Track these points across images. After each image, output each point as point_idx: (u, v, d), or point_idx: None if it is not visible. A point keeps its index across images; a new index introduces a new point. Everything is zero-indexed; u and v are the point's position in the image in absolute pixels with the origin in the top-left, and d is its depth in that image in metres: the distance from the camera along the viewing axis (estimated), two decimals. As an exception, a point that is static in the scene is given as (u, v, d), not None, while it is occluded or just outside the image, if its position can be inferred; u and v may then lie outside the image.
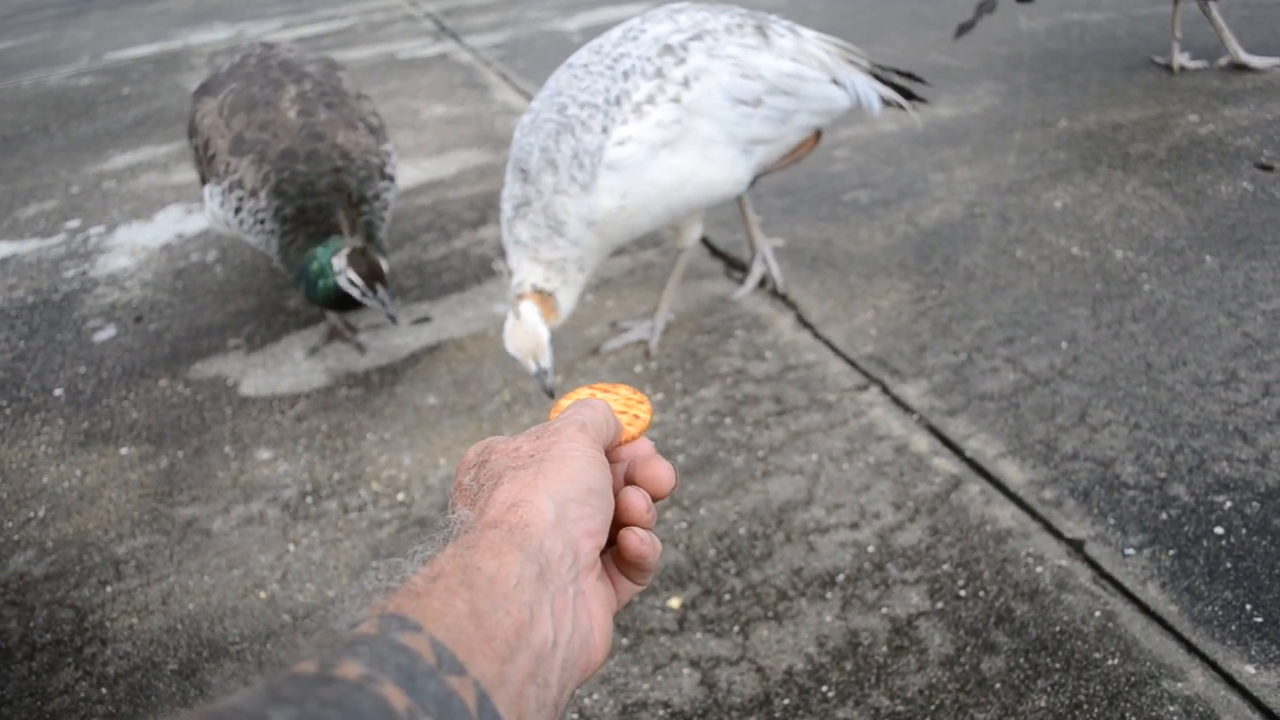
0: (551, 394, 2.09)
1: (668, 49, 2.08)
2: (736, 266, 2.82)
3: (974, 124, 3.64)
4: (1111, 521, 1.79)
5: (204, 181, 2.55)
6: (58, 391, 2.63)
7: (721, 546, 1.83)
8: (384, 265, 2.26)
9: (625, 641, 1.65)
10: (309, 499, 2.08)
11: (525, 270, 2.09)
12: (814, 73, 2.23)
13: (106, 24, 8.33)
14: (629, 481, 0.70)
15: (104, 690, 1.69)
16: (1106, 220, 2.82)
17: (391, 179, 2.53)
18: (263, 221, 2.36)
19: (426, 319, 2.72)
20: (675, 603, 1.71)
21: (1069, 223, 2.83)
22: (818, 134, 2.44)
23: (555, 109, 2.07)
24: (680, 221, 2.28)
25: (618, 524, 0.67)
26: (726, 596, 1.72)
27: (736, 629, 1.65)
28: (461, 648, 0.50)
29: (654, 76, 2.05)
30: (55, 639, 1.81)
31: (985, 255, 2.71)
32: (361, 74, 5.35)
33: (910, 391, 2.19)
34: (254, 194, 2.37)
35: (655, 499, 0.70)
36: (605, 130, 2.02)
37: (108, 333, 2.92)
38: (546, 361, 2.06)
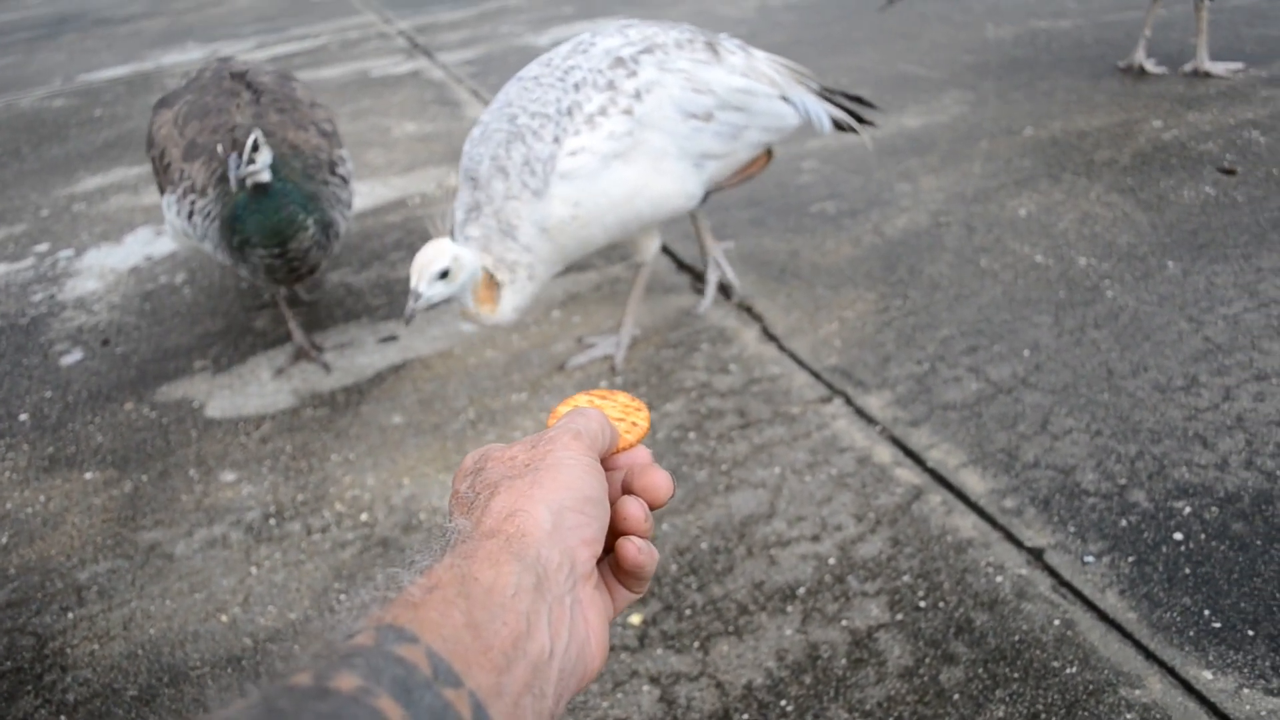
0: (409, 321, 2.02)
1: (619, 61, 2.09)
2: (702, 280, 2.82)
3: (941, 133, 3.66)
4: (1071, 529, 1.80)
5: (162, 192, 2.54)
6: (23, 416, 2.61)
7: (683, 562, 1.83)
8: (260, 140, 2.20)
9: (586, 659, 1.65)
10: (272, 521, 2.07)
11: (481, 257, 2.08)
12: (764, 89, 2.25)
13: (79, 46, 8.31)
14: (626, 490, 0.70)
15: (63, 718, 1.68)
16: (1070, 227, 2.84)
17: (344, 179, 2.52)
18: (208, 215, 2.36)
19: (393, 338, 2.72)
20: (636, 619, 1.71)
21: (1033, 230, 2.85)
22: (769, 152, 2.45)
23: (506, 119, 2.07)
24: (633, 235, 2.28)
25: (615, 532, 0.67)
26: (687, 612, 1.72)
27: (697, 645, 1.65)
28: (458, 659, 0.50)
29: (606, 88, 2.06)
30: (15, 666, 1.80)
31: (950, 264, 2.73)
32: (334, 92, 5.35)
33: (873, 402, 2.20)
34: (203, 192, 2.37)
35: (653, 508, 0.70)
36: (557, 140, 2.02)
37: (74, 356, 2.90)
38: (424, 286, 1.98)
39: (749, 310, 2.62)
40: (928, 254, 2.80)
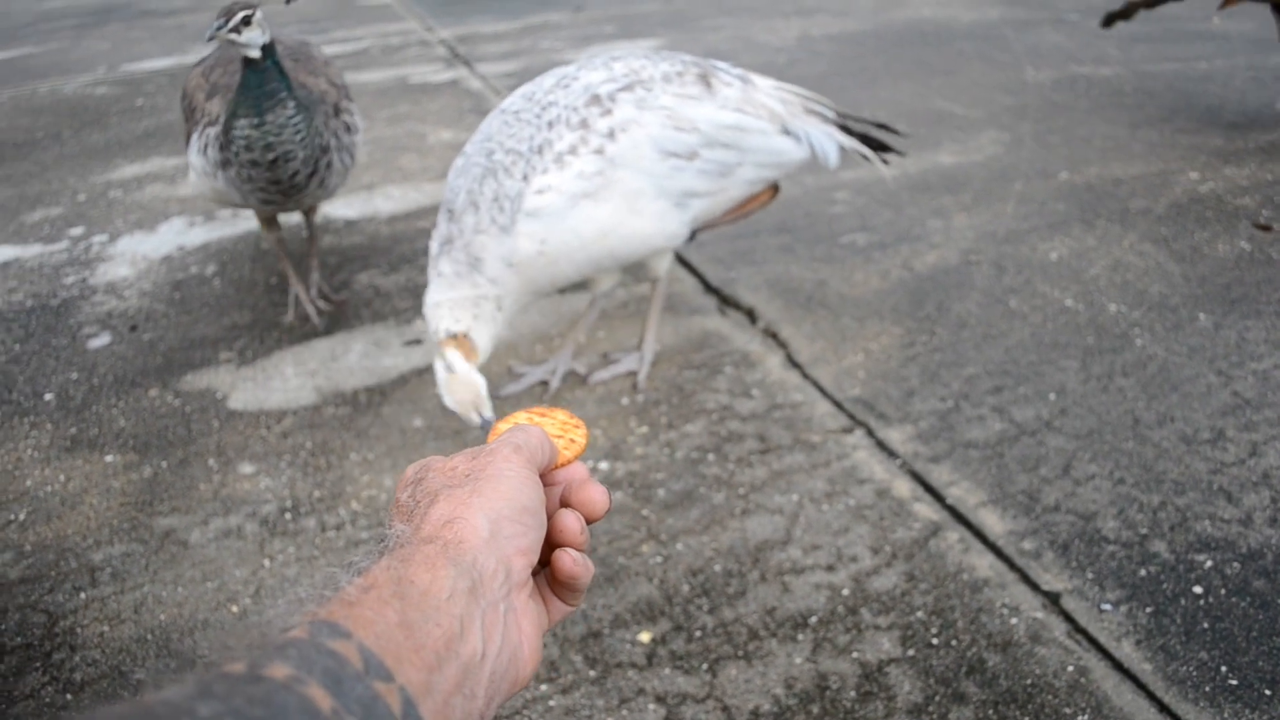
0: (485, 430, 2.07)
1: (595, 99, 2.05)
2: (729, 303, 2.82)
3: (975, 172, 3.66)
4: (1090, 576, 1.79)
5: (187, 142, 2.63)
6: (48, 396, 2.63)
7: (696, 583, 1.82)
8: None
9: (593, 674, 1.64)
10: (288, 515, 2.08)
11: (439, 312, 2.07)
12: (759, 123, 2.17)
13: (124, 35, 8.41)
14: (564, 504, 0.72)
15: (69, 696, 1.68)
16: (1102, 274, 2.83)
17: (347, 126, 2.60)
18: (218, 143, 2.44)
19: (418, 341, 2.73)
20: (645, 637, 1.71)
21: (1064, 274, 2.84)
22: (774, 188, 2.39)
23: (484, 154, 2.07)
24: (613, 269, 2.23)
25: (552, 545, 0.69)
26: (697, 633, 1.71)
27: (705, 667, 1.64)
28: (390, 655, 0.51)
29: (578, 127, 2.03)
30: (25, 642, 1.80)
31: (979, 303, 2.72)
32: (372, 96, 5.39)
33: (895, 436, 2.19)
34: (216, 120, 2.46)
35: (590, 522, 0.72)
36: (525, 178, 2.01)
37: (102, 340, 2.92)
38: (488, 412, 2.04)
39: (774, 336, 2.62)
40: (956, 291, 2.79)
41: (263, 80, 2.31)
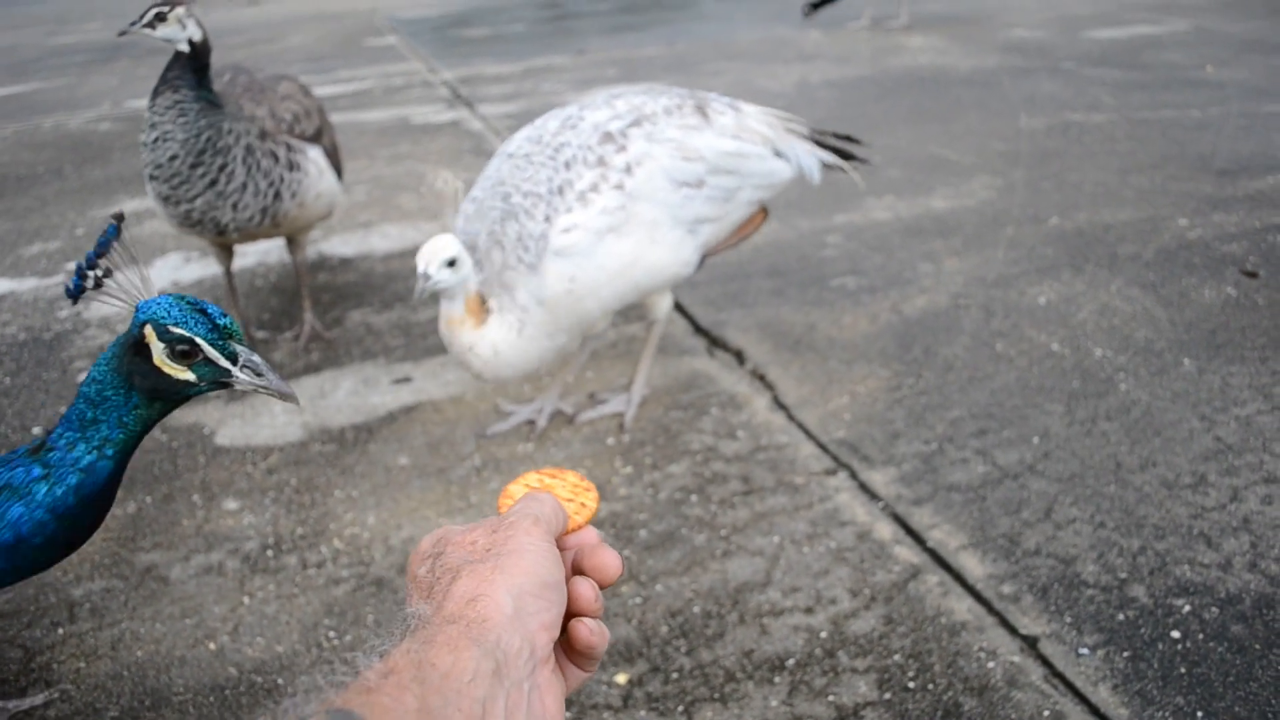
0: (418, 299, 2.02)
1: (608, 136, 2.12)
2: (719, 344, 2.84)
3: (967, 216, 3.68)
4: (1068, 620, 1.78)
5: None
6: (36, 430, 2.64)
7: (674, 624, 1.82)
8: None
9: (568, 715, 1.64)
10: (269, 552, 2.08)
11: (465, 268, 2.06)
12: (755, 148, 2.27)
13: (130, 73, 8.50)
14: (577, 570, 0.72)
15: (42, 734, 1.68)
16: (1089, 318, 2.84)
17: (291, 164, 2.64)
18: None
19: (407, 379, 2.74)
20: (622, 679, 1.70)
21: (1051, 319, 2.85)
22: (764, 210, 2.46)
23: (500, 197, 2.11)
24: (630, 304, 2.27)
25: (567, 613, 0.69)
26: (674, 675, 1.70)
27: (681, 709, 1.64)
28: None
29: (596, 165, 2.09)
30: (1, 677, 1.80)
31: (966, 347, 2.73)
32: (374, 136, 5.45)
33: (878, 478, 2.20)
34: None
35: (602, 587, 0.71)
36: (548, 219, 2.06)
37: (93, 375, 2.93)
38: (434, 270, 1.98)
39: (762, 378, 2.63)
40: (944, 335, 2.80)
41: (170, 68, 2.45)
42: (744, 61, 7.00)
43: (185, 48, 2.42)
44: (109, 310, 3.40)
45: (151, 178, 2.52)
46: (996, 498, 2.12)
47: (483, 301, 2.09)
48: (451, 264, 1.99)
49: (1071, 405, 2.43)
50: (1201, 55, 6.19)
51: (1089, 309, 2.90)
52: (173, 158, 2.46)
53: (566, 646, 0.69)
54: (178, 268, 3.74)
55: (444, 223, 2.11)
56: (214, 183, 2.50)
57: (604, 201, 2.07)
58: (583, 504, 0.76)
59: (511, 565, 0.64)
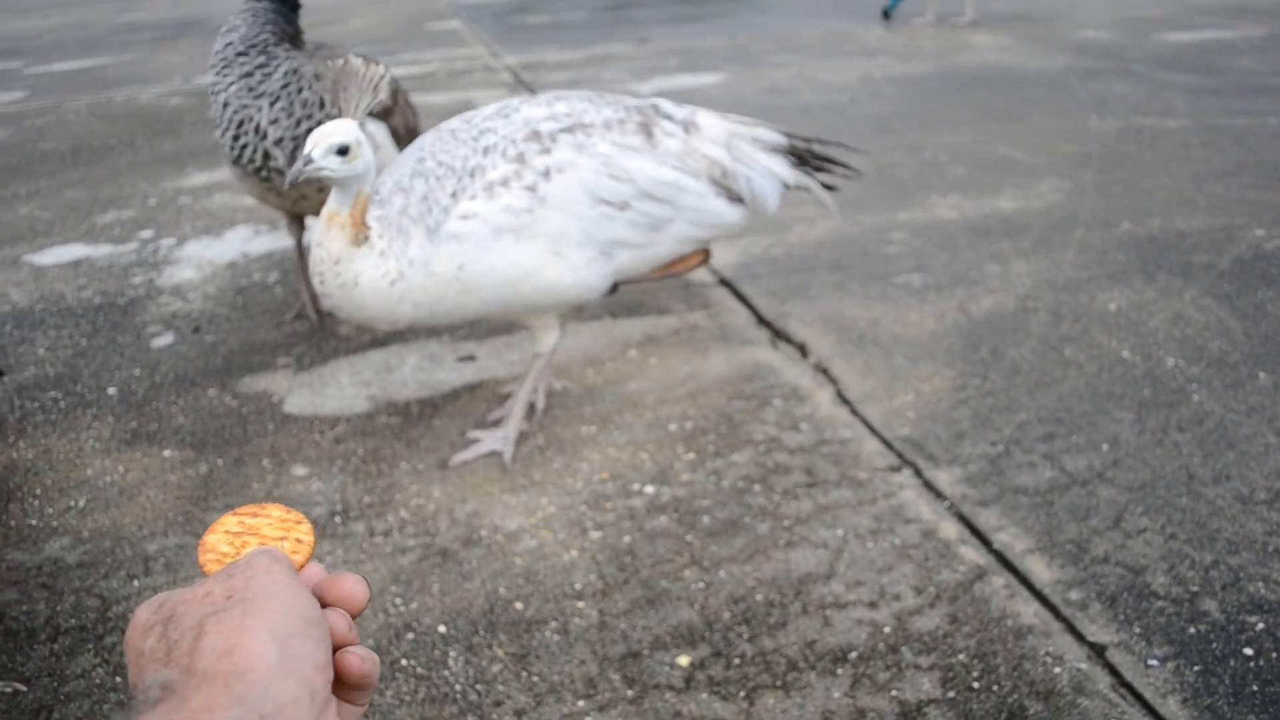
0: (289, 184, 1.88)
1: (535, 135, 2.01)
2: (781, 336, 2.83)
3: (1035, 218, 3.64)
4: (1137, 630, 1.76)
5: None
6: (111, 390, 2.70)
7: (736, 610, 1.82)
8: None
9: (630, 693, 1.65)
10: (337, 519, 2.11)
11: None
12: (695, 184, 2.12)
13: (199, 50, 8.62)
14: (323, 606, 0.65)
15: (118, 679, 1.72)
16: (1161, 327, 2.80)
17: (322, 104, 2.62)
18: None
19: (471, 358, 2.76)
20: (684, 660, 1.71)
21: (1122, 326, 2.82)
22: (706, 252, 2.30)
23: (414, 159, 2.03)
24: (517, 316, 2.17)
25: None
26: (736, 660, 1.71)
27: (743, 694, 1.64)
28: None
29: (514, 160, 1.99)
30: (79, 624, 1.84)
31: (1034, 350, 2.70)
32: (438, 118, 5.46)
33: (943, 477, 2.18)
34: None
35: (354, 615, 0.65)
36: (455, 195, 1.96)
37: (165, 340, 2.99)
38: (318, 154, 1.85)
39: (825, 372, 2.63)
40: (1012, 337, 2.78)
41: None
42: (806, 55, 6.96)
43: None
44: (181, 279, 3.46)
45: (211, 66, 2.63)
46: (1064, 503, 2.10)
47: (363, 219, 1.95)
48: (343, 152, 1.85)
49: (1142, 414, 2.40)
50: (1277, 62, 6.06)
51: (1161, 317, 2.86)
52: (228, 44, 2.56)
53: (335, 684, 0.61)
54: (247, 240, 3.79)
55: (347, 106, 1.94)
56: (249, 75, 2.54)
57: (510, 199, 1.97)
58: (298, 539, 0.68)
59: (264, 608, 0.56)
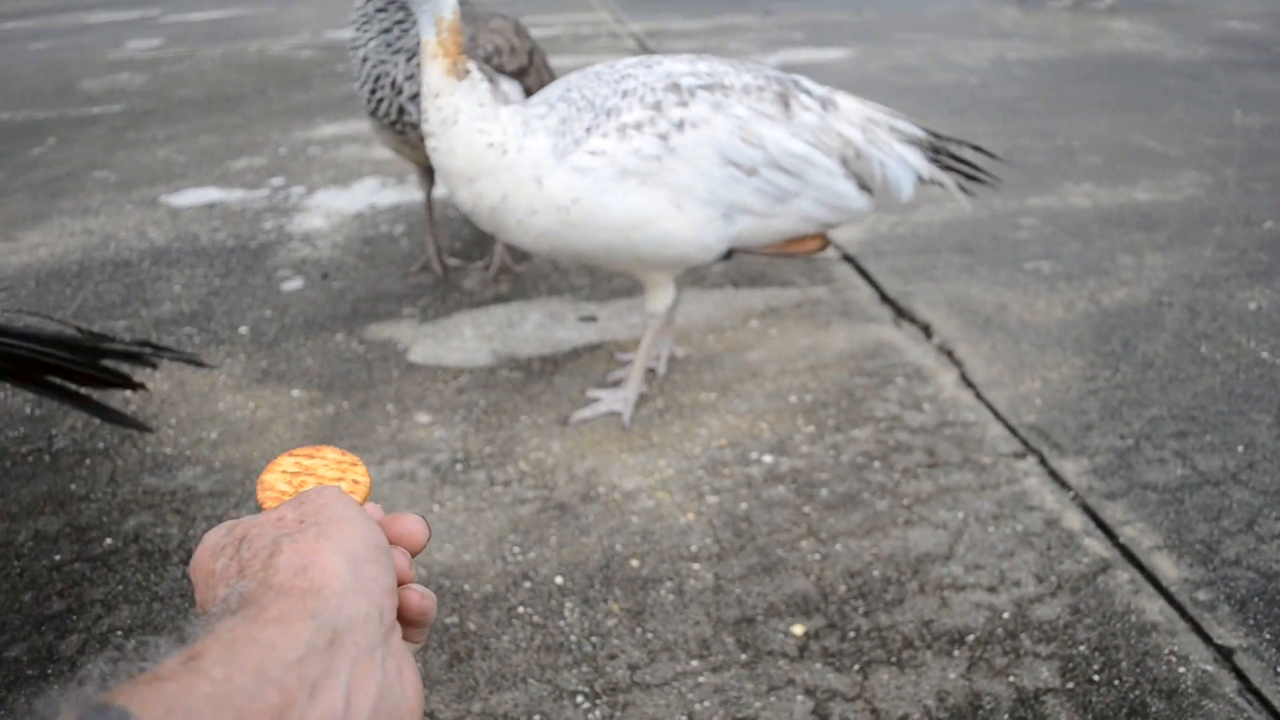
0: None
1: (675, 87, 1.99)
2: (905, 316, 2.79)
3: (1172, 211, 3.52)
4: (1268, 636, 1.71)
5: None
6: (243, 329, 2.79)
7: (852, 584, 1.81)
8: None
9: (744, 657, 1.65)
10: (459, 466, 2.15)
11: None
12: (826, 161, 2.08)
13: (330, 3, 8.80)
14: None
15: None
16: (1304, 329, 2.69)
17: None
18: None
19: (592, 318, 2.78)
20: (798, 629, 1.71)
21: (1262, 326, 2.71)
22: (823, 238, 2.25)
23: (562, 88, 2.04)
24: (624, 266, 2.14)
25: None
26: (851, 634, 1.70)
27: (857, 667, 1.64)
28: None
29: (650, 107, 1.97)
30: (209, 554, 1.92)
31: (1167, 345, 2.62)
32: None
33: (1069, 468, 2.13)
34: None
35: (413, 554, 0.66)
36: (588, 130, 1.95)
37: (295, 284, 3.08)
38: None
39: (949, 354, 2.58)
40: (1145, 331, 2.69)
41: None
42: (935, 33, 6.81)
43: None
44: (310, 227, 3.55)
45: (351, 21, 2.68)
46: (1195, 502, 2.03)
47: (458, 51, 1.93)
48: None
49: (1281, 416, 2.31)
50: None
51: (1305, 319, 2.74)
52: (367, 1, 2.60)
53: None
54: (374, 192, 3.87)
55: None
56: (387, 30, 2.58)
57: (641, 143, 1.94)
58: (355, 480, 0.70)
59: (337, 531, 0.58)
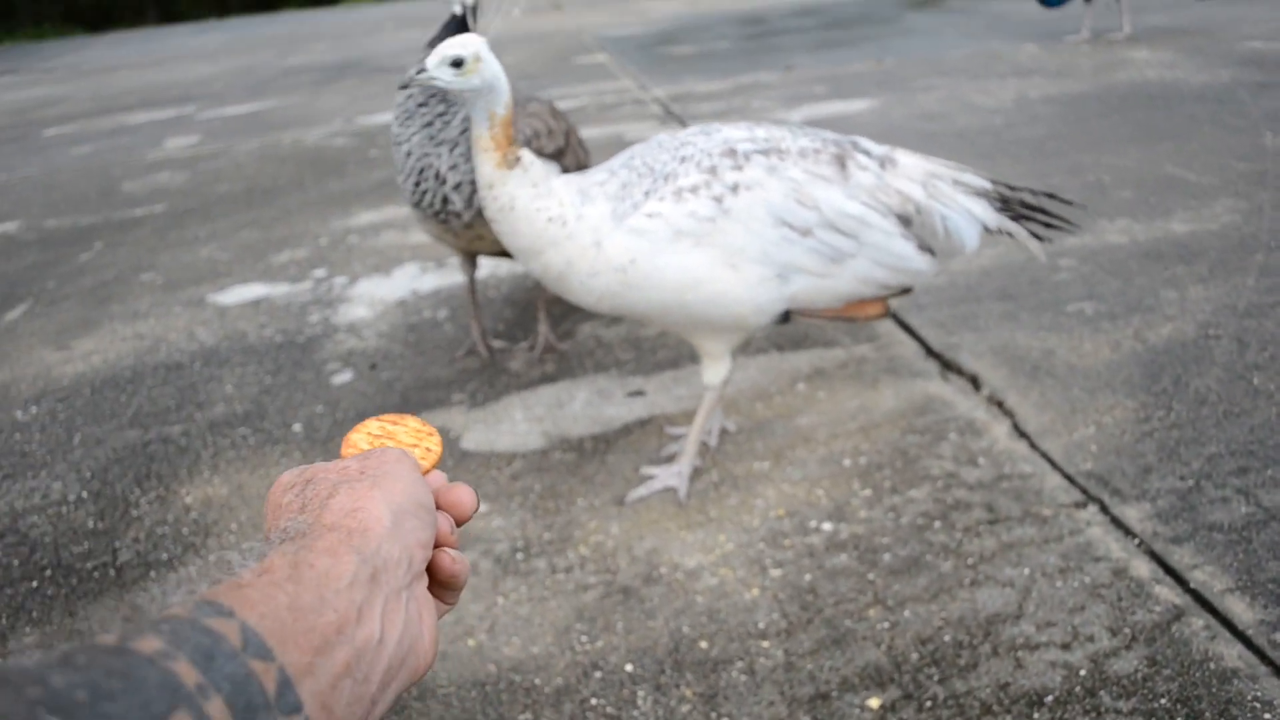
0: (402, 86, 1.99)
1: (731, 152, 2.06)
2: (951, 368, 2.79)
3: (1210, 241, 3.50)
4: (1353, 677, 1.68)
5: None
6: (297, 427, 2.84)
7: (924, 651, 1.80)
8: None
9: (821, 735, 1.65)
10: (519, 555, 2.17)
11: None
12: (882, 221, 2.09)
13: (359, 91, 9.01)
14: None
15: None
16: (1358, 354, 2.66)
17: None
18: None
19: (640, 393, 2.81)
20: (874, 703, 1.70)
21: (1315, 353, 2.68)
22: (884, 303, 2.25)
23: (626, 157, 2.14)
24: (679, 326, 2.17)
25: None
26: (928, 703, 1.69)
27: (936, 737, 1.62)
28: (273, 636, 0.52)
29: (706, 171, 2.03)
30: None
31: (1219, 379, 2.60)
32: (592, 154, 5.60)
33: (1131, 513, 2.12)
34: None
35: (459, 523, 0.74)
36: (647, 194, 2.03)
37: (345, 377, 3.13)
38: (432, 64, 1.90)
39: (999, 405, 2.58)
40: (1194, 366, 2.67)
41: (441, 30, 2.60)
42: (956, 77, 6.85)
43: (459, 9, 2.64)
44: (355, 317, 3.62)
45: (395, 117, 2.73)
46: (1263, 540, 2.01)
47: (509, 143, 2.00)
48: (457, 65, 1.88)
49: (1343, 446, 2.28)
50: None
51: (1358, 343, 2.71)
52: (409, 96, 2.65)
53: (428, 578, 0.71)
54: (415, 278, 3.94)
55: (479, 24, 2.06)
56: (429, 124, 2.63)
57: (696, 205, 2.01)
58: (427, 448, 0.79)
59: (388, 485, 0.66)
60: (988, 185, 2.24)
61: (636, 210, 2.02)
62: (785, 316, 2.18)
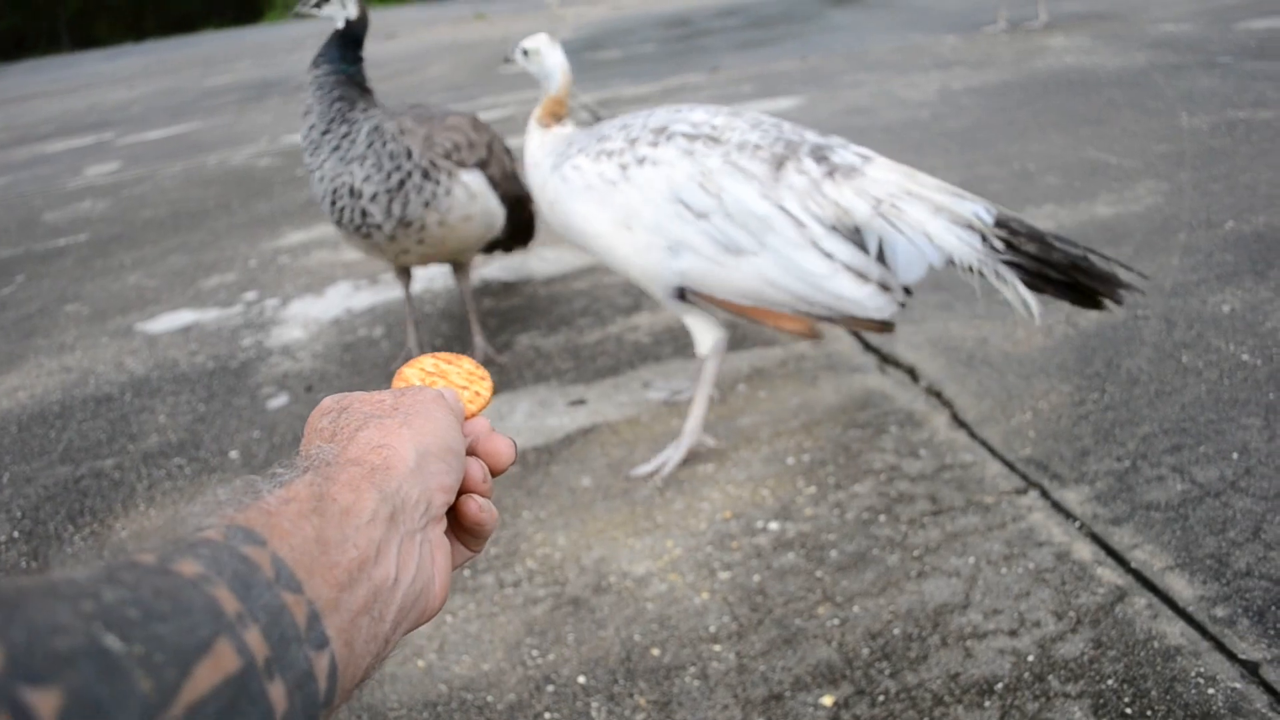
0: (507, 59, 2.58)
1: (660, 130, 2.23)
2: (889, 361, 2.82)
3: (1134, 223, 3.57)
4: (1291, 646, 1.71)
5: None
6: (233, 454, 2.78)
7: (875, 646, 1.81)
8: None
9: (777, 736, 1.64)
10: (467, 572, 2.14)
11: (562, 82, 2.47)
12: (792, 231, 2.05)
13: (283, 109, 8.88)
14: (470, 454, 0.73)
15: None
16: (1279, 326, 2.72)
17: (421, 171, 2.70)
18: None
19: (582, 401, 2.79)
20: (828, 700, 1.70)
21: (1238, 328, 2.75)
22: (809, 326, 2.22)
23: (600, 127, 2.38)
24: (617, 268, 2.37)
25: (460, 489, 0.71)
26: (880, 698, 1.70)
27: (891, 732, 1.63)
28: (302, 568, 0.52)
29: (628, 142, 2.24)
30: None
31: (1149, 359, 2.65)
32: (518, 162, 5.57)
33: (1071, 497, 2.15)
34: None
35: (495, 473, 0.73)
36: (580, 150, 2.31)
37: (280, 400, 3.08)
38: (515, 50, 2.51)
39: (938, 395, 2.60)
40: (1125, 347, 2.72)
41: (324, 46, 2.69)
42: (881, 71, 6.93)
43: (340, 24, 2.66)
44: (289, 339, 3.56)
45: (303, 149, 2.73)
46: (1199, 516, 2.04)
47: (552, 116, 2.45)
48: (526, 54, 2.46)
49: (1270, 418, 2.33)
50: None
51: (1278, 316, 2.78)
52: (311, 127, 2.66)
53: (454, 523, 0.71)
54: (349, 295, 3.89)
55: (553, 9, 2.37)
56: (337, 148, 2.64)
57: (605, 168, 2.23)
58: (477, 392, 0.77)
59: (418, 424, 0.65)
60: (986, 218, 2.03)
61: (566, 161, 2.30)
62: (681, 294, 2.27)
